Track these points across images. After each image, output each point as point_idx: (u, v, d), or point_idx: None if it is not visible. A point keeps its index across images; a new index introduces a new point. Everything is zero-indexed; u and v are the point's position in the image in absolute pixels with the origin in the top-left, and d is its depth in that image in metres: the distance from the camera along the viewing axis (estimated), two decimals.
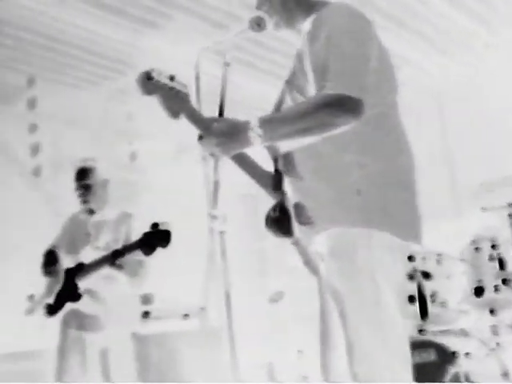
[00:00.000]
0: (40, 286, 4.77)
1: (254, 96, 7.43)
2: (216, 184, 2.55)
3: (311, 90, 2.45)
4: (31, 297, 4.79)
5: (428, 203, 5.43)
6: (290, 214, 2.65)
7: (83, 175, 4.78)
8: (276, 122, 2.43)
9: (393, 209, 2.45)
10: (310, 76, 2.46)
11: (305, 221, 2.56)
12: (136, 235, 4.36)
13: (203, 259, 2.70)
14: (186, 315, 6.09)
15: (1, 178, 6.47)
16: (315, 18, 2.56)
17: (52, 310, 4.59)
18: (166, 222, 4.10)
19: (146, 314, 6.11)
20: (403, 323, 2.42)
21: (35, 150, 6.89)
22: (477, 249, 4.72)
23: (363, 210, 2.42)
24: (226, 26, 6.46)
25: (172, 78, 2.52)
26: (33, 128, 6.95)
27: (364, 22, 2.50)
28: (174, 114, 2.52)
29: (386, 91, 2.56)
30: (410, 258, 4.68)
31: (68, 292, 4.52)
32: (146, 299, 6.27)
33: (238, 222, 3.11)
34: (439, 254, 4.74)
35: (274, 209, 2.71)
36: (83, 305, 4.51)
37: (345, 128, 2.33)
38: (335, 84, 2.31)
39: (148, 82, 2.47)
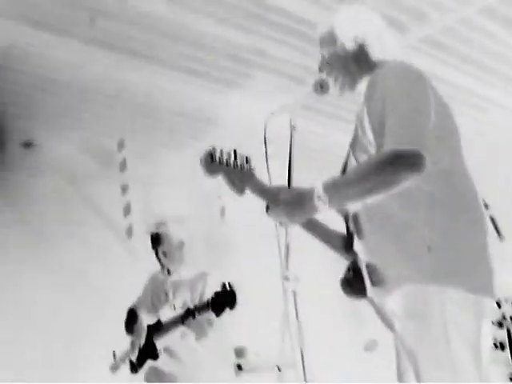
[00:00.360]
0: (125, 343, 4.93)
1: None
2: (287, 247, 2.62)
3: (373, 150, 2.49)
4: (114, 354, 4.95)
5: None
6: (362, 274, 2.67)
7: (157, 241, 5.01)
8: (340, 186, 2.45)
9: (464, 264, 2.44)
10: (370, 136, 2.50)
11: (377, 280, 2.58)
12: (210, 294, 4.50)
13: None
14: (279, 368, 6.13)
15: (97, 241, 6.71)
16: (370, 78, 2.61)
17: (134, 367, 4.72)
18: (233, 282, 4.20)
19: (239, 368, 6.18)
20: (479, 379, 2.40)
21: (127, 210, 7.14)
22: None
23: (434, 266, 2.41)
24: (303, 79, 6.60)
25: (234, 154, 2.61)
26: (124, 189, 7.22)
27: (418, 78, 2.53)
28: (239, 190, 2.61)
29: (449, 146, 2.55)
30: (499, 305, 4.61)
31: (148, 350, 4.65)
32: (240, 353, 6.36)
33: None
34: None
35: (348, 270, 2.75)
36: (162, 363, 4.63)
37: (408, 183, 2.33)
38: (392, 141, 2.34)
39: (211, 162, 2.56)
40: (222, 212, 8.08)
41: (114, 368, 4.96)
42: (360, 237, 2.66)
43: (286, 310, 2.65)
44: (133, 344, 4.86)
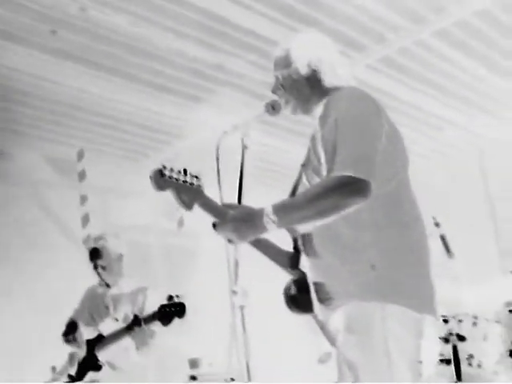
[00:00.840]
0: (63, 357, 4.95)
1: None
2: (236, 262, 2.70)
3: (324, 172, 2.58)
4: (53, 368, 4.95)
5: (467, 265, 5.50)
6: (307, 291, 2.76)
7: (96, 255, 4.99)
8: (289, 208, 2.53)
9: (406, 282, 2.53)
10: (323, 159, 2.59)
11: (323, 298, 2.67)
12: (148, 308, 4.62)
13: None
14: (233, 379, 6.20)
15: (54, 250, 6.73)
16: (325, 102, 2.70)
17: (74, 380, 4.73)
18: (181, 294, 4.26)
19: (192, 379, 6.24)
20: None
21: (85, 220, 7.17)
22: (511, 311, 4.76)
23: (378, 284, 2.51)
24: (265, 95, 6.68)
25: (185, 172, 2.68)
26: (83, 199, 7.25)
27: (372, 105, 2.62)
28: (187, 205, 2.68)
29: (396, 170, 2.65)
30: (446, 321, 4.74)
31: (89, 363, 4.67)
32: (194, 363, 6.40)
33: None
34: (475, 317, 4.79)
35: (292, 287, 2.84)
36: (104, 376, 4.64)
37: (354, 207, 2.43)
38: (342, 166, 2.42)
39: (160, 178, 2.63)
40: (180, 223, 8.14)
41: (53, 382, 4.95)
42: (308, 255, 2.74)
43: (234, 324, 2.72)
44: (71, 357, 4.86)
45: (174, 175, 2.65)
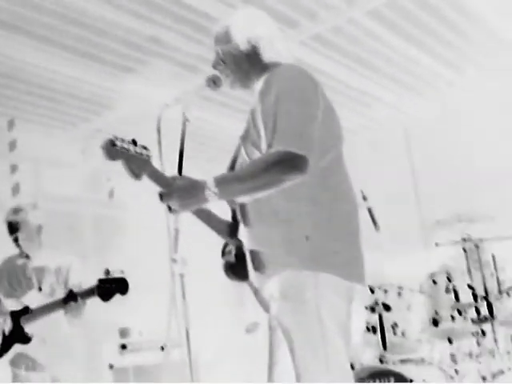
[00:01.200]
0: None
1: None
2: (176, 231, 2.79)
3: (263, 145, 2.69)
4: None
5: (392, 237, 5.72)
6: (245, 259, 2.87)
7: (16, 228, 4.92)
8: (230, 181, 2.65)
9: (338, 253, 2.67)
10: (262, 133, 2.69)
11: (258, 266, 2.78)
12: (74, 279, 4.69)
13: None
14: (163, 348, 6.28)
15: None
16: (266, 77, 2.80)
17: None
18: (121, 269, 4.29)
19: (123, 347, 6.29)
20: (346, 358, 2.65)
21: (16, 189, 7.12)
22: (434, 281, 4.98)
23: (311, 254, 2.64)
24: (197, 68, 6.77)
25: (134, 143, 2.74)
26: (13, 169, 7.19)
27: (310, 82, 2.74)
28: (136, 175, 2.74)
29: (332, 145, 2.77)
30: (372, 291, 4.93)
31: (16, 335, 4.66)
32: (124, 333, 6.46)
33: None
34: (400, 287, 4.98)
35: (230, 255, 2.95)
36: (31, 348, 4.60)
37: (292, 182, 2.57)
38: (282, 142, 2.54)
39: (112, 148, 2.67)
40: (111, 194, 8.16)
41: None
42: (246, 224, 2.85)
43: (173, 292, 2.80)
44: None
45: (125, 145, 2.70)
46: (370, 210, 5.39)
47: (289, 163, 2.52)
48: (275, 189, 2.59)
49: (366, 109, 8.35)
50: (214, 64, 3.02)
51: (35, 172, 7.44)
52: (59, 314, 4.57)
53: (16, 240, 4.92)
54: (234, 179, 2.68)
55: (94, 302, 4.44)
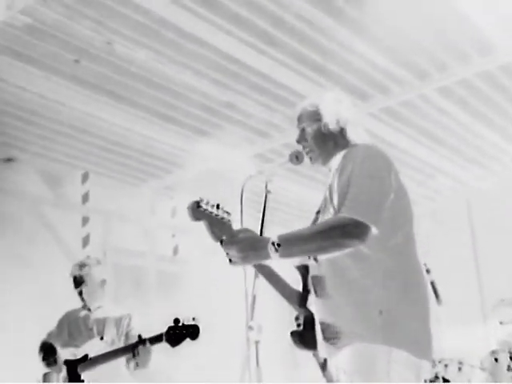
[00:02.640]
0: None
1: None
2: (254, 298, 2.90)
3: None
4: None
5: (454, 311, 5.73)
6: (313, 329, 2.96)
7: (78, 283, 5.13)
8: (293, 240, 2.74)
9: (410, 329, 2.75)
10: (335, 202, 2.81)
11: (329, 337, 2.87)
12: (135, 332, 4.75)
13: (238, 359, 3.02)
14: None
15: (53, 267, 6.84)
16: (344, 155, 2.94)
17: None
18: (194, 317, 4.43)
19: None
20: None
21: (86, 241, 7.36)
22: (496, 359, 4.98)
23: (384, 328, 2.71)
24: (269, 134, 6.99)
25: (218, 206, 2.90)
26: (85, 221, 7.45)
27: (386, 162, 2.87)
28: (217, 237, 2.89)
29: (404, 224, 2.87)
30: (433, 365, 4.96)
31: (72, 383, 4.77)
32: None
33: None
34: (460, 362, 5.00)
35: (299, 324, 3.04)
36: None
37: (367, 252, 2.69)
38: (348, 209, 2.66)
39: (197, 209, 2.84)
40: (175, 250, 8.36)
41: None
42: (318, 296, 2.94)
43: (248, 358, 2.90)
44: (48, 377, 4.91)
45: (209, 208, 2.86)
46: (432, 284, 5.41)
47: (350, 228, 2.62)
48: (334, 252, 2.70)
49: (429, 180, 8.43)
50: (299, 139, 3.15)
51: (105, 225, 7.66)
52: (119, 363, 4.70)
53: (80, 293, 5.12)
54: (296, 238, 2.76)
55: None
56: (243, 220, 3.04)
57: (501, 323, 5.20)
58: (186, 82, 5.93)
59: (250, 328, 2.88)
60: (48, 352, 4.92)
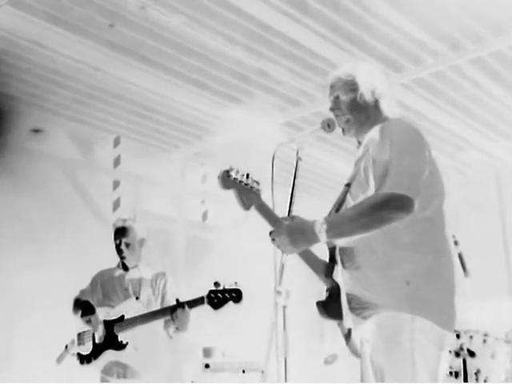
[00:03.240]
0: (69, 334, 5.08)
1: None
2: (283, 265, 2.96)
3: (370, 192, 2.85)
4: (67, 347, 5.08)
5: (481, 284, 5.75)
6: (338, 299, 3.00)
7: (123, 233, 5.10)
8: (339, 222, 2.82)
9: (435, 300, 2.80)
10: (371, 179, 2.85)
11: (356, 307, 2.90)
12: (172, 293, 4.87)
13: (264, 323, 3.08)
14: (244, 371, 6.42)
15: (84, 230, 6.96)
16: (379, 129, 2.95)
17: (87, 359, 4.92)
18: (236, 281, 4.51)
19: (206, 366, 6.46)
20: None
21: (116, 204, 7.46)
22: None
23: (411, 298, 2.76)
24: (300, 103, 7.00)
25: (247, 176, 2.96)
26: (116, 184, 7.54)
27: (421, 139, 2.91)
28: (246, 206, 2.96)
29: (435, 198, 2.91)
30: (458, 336, 4.99)
31: (108, 342, 4.89)
32: (207, 352, 6.65)
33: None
34: (486, 334, 5.02)
35: (325, 294, 3.09)
36: (125, 356, 4.79)
37: (398, 223, 2.71)
38: (391, 184, 2.70)
39: (227, 178, 2.91)
40: (204, 216, 8.43)
41: (60, 359, 5.08)
42: (345, 267, 2.98)
43: (275, 322, 2.96)
44: (82, 336, 4.96)
45: (239, 177, 2.93)
46: (460, 256, 5.46)
47: (396, 203, 2.67)
48: (382, 227, 2.73)
49: (460, 152, 8.40)
50: (333, 107, 3.16)
51: (135, 189, 7.75)
52: (156, 324, 4.78)
53: (119, 246, 5.10)
54: (343, 219, 2.84)
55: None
56: (274, 189, 3.09)
57: None
58: (219, 48, 5.93)
59: (279, 293, 2.94)
60: (87, 310, 4.94)
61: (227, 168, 2.95)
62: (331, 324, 3.09)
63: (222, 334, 5.15)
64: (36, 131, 6.82)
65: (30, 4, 5.23)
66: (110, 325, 4.84)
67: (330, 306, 3.04)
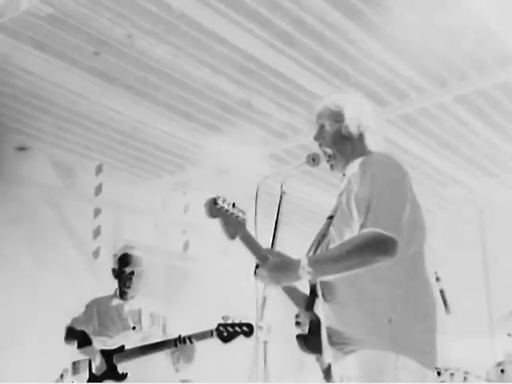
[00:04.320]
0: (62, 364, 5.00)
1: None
2: (264, 299, 2.92)
3: (354, 225, 2.82)
4: (62, 376, 4.99)
5: (462, 321, 5.72)
6: (319, 333, 2.95)
7: (128, 262, 5.00)
8: (323, 261, 2.79)
9: (418, 338, 2.75)
10: (355, 214, 2.82)
11: (336, 342, 2.87)
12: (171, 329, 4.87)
13: (244, 358, 3.03)
14: None
15: (63, 258, 6.89)
16: (361, 162, 2.92)
17: None
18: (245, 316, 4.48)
19: None
20: None
21: (97, 233, 7.40)
22: (502, 371, 4.98)
23: (393, 336, 2.72)
24: (285, 135, 7.00)
25: (234, 205, 2.93)
26: (97, 212, 7.49)
27: (403, 173, 2.87)
28: (231, 235, 2.93)
29: (416, 235, 2.87)
30: (439, 374, 4.95)
31: (107, 373, 4.78)
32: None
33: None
34: (466, 372, 4.99)
35: (298, 322, 3.05)
36: None
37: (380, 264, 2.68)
38: (373, 223, 2.66)
39: (214, 206, 2.89)
40: (186, 247, 8.37)
41: None
42: (326, 300, 2.93)
43: (256, 357, 2.91)
44: (77, 365, 4.87)
45: (225, 206, 2.91)
46: (441, 292, 5.42)
47: (380, 245, 2.63)
48: (364, 268, 2.69)
49: (442, 188, 8.43)
50: (317, 136, 3.13)
51: (116, 218, 7.68)
52: (158, 356, 4.71)
53: (125, 273, 4.98)
54: (327, 259, 2.79)
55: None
56: (257, 221, 3.06)
57: (509, 335, 5.18)
58: (204, 78, 5.93)
59: (260, 328, 2.90)
60: (84, 339, 4.87)
61: (214, 196, 2.93)
62: (311, 358, 3.06)
63: (201, 368, 5.06)
64: (22, 149, 6.81)
65: (16, 29, 5.19)
66: (108, 355, 4.76)
67: (310, 340, 2.98)
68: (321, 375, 3.00)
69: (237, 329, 4.44)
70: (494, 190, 8.36)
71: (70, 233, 7.17)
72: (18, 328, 6.31)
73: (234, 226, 2.94)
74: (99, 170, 7.53)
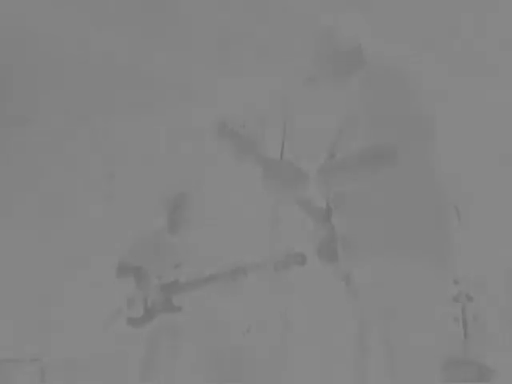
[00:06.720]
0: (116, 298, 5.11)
1: None
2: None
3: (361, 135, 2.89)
4: (116, 310, 5.07)
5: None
6: (336, 243, 3.06)
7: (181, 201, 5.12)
8: (334, 170, 2.90)
9: (430, 247, 2.91)
10: (360, 125, 2.91)
11: (352, 250, 2.97)
12: None
13: None
14: None
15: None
16: (364, 78, 3.04)
17: (138, 322, 4.92)
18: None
19: None
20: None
21: None
22: None
23: (404, 245, 2.86)
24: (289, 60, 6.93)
25: (243, 126, 2.97)
26: None
27: (406, 84, 2.97)
28: (241, 156, 2.97)
29: (419, 142, 2.96)
30: (456, 282, 4.99)
31: (162, 306, 4.87)
32: None
33: None
34: (484, 277, 5.02)
35: (323, 238, 3.13)
36: (179, 319, 4.71)
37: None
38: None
39: (224, 128, 2.92)
40: None
41: (109, 323, 5.06)
42: (344, 213, 3.04)
43: None
44: (132, 299, 4.96)
45: (235, 128, 3.05)
46: (456, 208, 5.41)
47: (383, 155, 2.82)
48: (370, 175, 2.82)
49: None
50: (317, 59, 3.22)
51: None
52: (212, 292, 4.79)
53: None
54: (335, 167, 2.95)
55: None
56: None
57: None
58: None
59: None
60: (138, 275, 4.92)
61: (224, 120, 3.01)
62: None
63: None
64: None
65: None
66: (164, 288, 4.85)
67: (329, 250, 3.09)
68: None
69: (291, 259, 4.43)
70: None
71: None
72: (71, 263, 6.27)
73: (243, 146, 3.01)
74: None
